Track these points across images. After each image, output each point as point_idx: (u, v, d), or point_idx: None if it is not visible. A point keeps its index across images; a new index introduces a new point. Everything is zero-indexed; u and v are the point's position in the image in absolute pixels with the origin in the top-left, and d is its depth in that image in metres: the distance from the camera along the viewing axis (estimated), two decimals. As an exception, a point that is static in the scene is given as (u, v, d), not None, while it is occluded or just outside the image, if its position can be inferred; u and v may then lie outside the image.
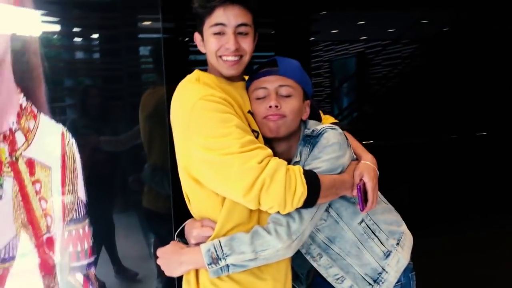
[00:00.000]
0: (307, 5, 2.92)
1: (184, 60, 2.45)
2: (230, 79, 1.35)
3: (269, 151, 1.21)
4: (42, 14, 2.44)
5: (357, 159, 1.39)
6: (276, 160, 1.19)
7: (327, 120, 1.53)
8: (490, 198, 3.11)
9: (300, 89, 1.35)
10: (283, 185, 1.16)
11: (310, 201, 1.20)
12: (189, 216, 1.41)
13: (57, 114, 2.02)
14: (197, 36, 1.35)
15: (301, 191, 1.18)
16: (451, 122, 3.26)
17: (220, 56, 1.29)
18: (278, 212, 1.22)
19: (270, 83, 1.32)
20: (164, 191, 2.11)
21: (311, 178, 1.21)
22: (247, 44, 1.30)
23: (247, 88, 1.39)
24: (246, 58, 1.32)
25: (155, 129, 2.17)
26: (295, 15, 2.94)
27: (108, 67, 2.18)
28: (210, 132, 1.19)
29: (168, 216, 2.06)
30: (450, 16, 3.46)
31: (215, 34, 1.28)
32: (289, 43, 2.97)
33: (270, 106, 1.29)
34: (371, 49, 5.86)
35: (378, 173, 1.37)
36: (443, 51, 3.50)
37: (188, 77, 1.34)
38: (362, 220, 1.37)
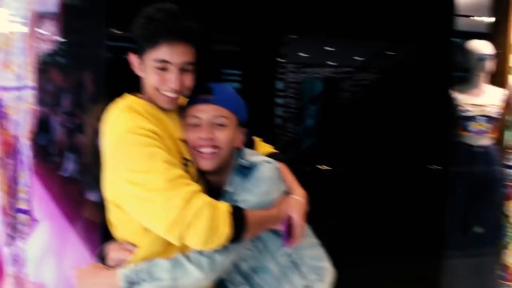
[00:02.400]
0: (276, 26, 2.97)
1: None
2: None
3: (196, 187, 1.22)
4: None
5: (288, 192, 1.41)
6: (202, 199, 1.19)
7: (264, 148, 1.54)
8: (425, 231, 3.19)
9: (234, 118, 1.37)
10: (207, 225, 1.17)
11: (235, 239, 1.21)
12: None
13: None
14: (133, 58, 1.33)
15: (226, 232, 1.19)
16: (405, 154, 3.35)
17: (160, 91, 1.29)
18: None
19: (204, 112, 1.32)
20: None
21: (238, 217, 1.22)
22: (189, 81, 1.31)
23: (181, 113, 1.39)
24: (186, 93, 1.32)
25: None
26: (264, 35, 2.98)
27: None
28: (135, 166, 1.19)
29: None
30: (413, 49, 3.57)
31: (157, 68, 1.27)
32: (256, 62, 3.01)
33: (203, 138, 1.30)
34: (338, 74, 5.96)
35: (307, 208, 1.40)
36: (407, 82, 3.60)
37: (120, 103, 1.32)
38: (287, 253, 1.38)
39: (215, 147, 1.33)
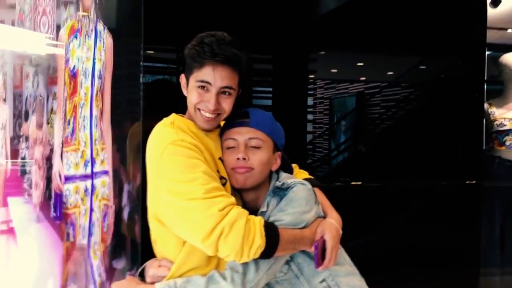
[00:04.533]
0: (307, 43, 3.00)
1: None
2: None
3: (233, 199, 1.25)
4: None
5: (324, 217, 1.41)
6: (237, 210, 1.23)
7: (301, 174, 1.57)
8: (461, 248, 3.11)
9: (270, 141, 1.40)
10: (241, 235, 1.20)
11: (267, 253, 1.23)
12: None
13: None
14: (182, 78, 1.41)
15: (258, 244, 1.21)
16: (442, 168, 3.30)
17: (199, 109, 1.34)
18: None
19: (240, 134, 1.37)
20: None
21: (271, 231, 1.24)
22: (227, 105, 1.36)
23: (220, 135, 1.43)
24: (223, 116, 1.38)
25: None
26: (295, 53, 3.01)
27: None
28: (177, 176, 1.24)
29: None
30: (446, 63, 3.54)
31: (199, 88, 1.33)
32: (287, 79, 3.03)
33: (238, 158, 1.33)
34: (370, 89, 5.92)
35: (341, 232, 1.40)
36: (438, 96, 3.57)
37: (164, 120, 1.39)
38: (324, 280, 1.37)
39: (250, 168, 1.37)
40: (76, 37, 2.69)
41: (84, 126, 2.53)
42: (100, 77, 2.44)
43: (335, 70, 6.07)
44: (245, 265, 1.28)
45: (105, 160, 2.37)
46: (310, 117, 3.74)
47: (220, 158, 1.40)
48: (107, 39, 2.40)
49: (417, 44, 3.25)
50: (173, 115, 1.42)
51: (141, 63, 2.10)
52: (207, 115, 1.36)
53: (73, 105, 2.66)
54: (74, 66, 2.69)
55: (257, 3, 2.69)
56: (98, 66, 2.46)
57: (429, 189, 3.18)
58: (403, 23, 3.14)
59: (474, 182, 3.20)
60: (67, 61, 2.75)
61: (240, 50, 1.35)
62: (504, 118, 3.33)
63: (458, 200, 3.18)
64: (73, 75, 2.68)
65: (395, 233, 3.04)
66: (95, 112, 2.49)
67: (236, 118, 1.43)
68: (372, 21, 3.18)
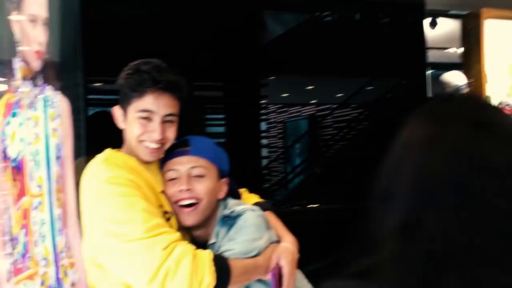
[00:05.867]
0: (257, 69, 3.02)
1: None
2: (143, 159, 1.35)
3: (177, 235, 1.19)
4: None
5: (278, 241, 1.38)
6: (182, 246, 1.17)
7: (251, 198, 1.53)
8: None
9: (214, 168, 1.35)
10: (188, 273, 1.13)
11: None
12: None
13: None
14: (117, 110, 1.33)
15: (208, 281, 1.15)
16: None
17: (142, 141, 1.29)
18: None
19: (182, 164, 1.31)
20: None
21: (221, 266, 1.19)
22: (172, 133, 1.31)
23: (160, 167, 1.39)
24: (167, 145, 1.33)
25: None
26: (245, 79, 3.02)
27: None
28: (113, 217, 1.16)
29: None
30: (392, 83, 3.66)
31: (141, 118, 1.28)
32: (240, 106, 3.04)
33: (181, 190, 1.29)
34: (321, 112, 6.06)
35: (297, 256, 1.36)
36: (386, 116, 3.65)
37: (98, 157, 1.31)
38: None
39: (195, 198, 1.32)
40: (14, 114, 1.98)
41: (43, 237, 1.92)
42: (58, 158, 1.93)
43: (287, 94, 6.19)
44: None
45: (77, 284, 1.88)
46: (264, 141, 3.75)
47: (162, 192, 1.35)
48: (61, 102, 1.92)
49: (364, 66, 3.34)
50: (108, 151, 1.34)
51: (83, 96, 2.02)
52: (152, 145, 1.29)
53: (22, 212, 1.95)
54: (17, 155, 1.97)
55: (206, 31, 2.70)
56: (53, 142, 1.92)
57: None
58: (350, 47, 3.23)
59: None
60: (3, 151, 1.98)
61: (177, 75, 1.32)
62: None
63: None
64: (18, 168, 1.97)
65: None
66: (56, 212, 1.90)
67: (175, 148, 1.37)
68: (319, 45, 3.26)
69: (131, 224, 1.14)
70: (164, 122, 1.27)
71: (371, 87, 4.26)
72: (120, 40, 2.30)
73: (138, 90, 1.25)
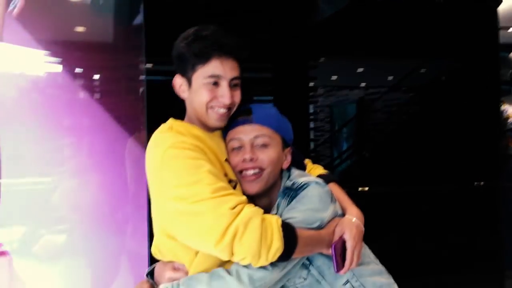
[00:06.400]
0: (306, 51, 2.97)
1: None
2: (207, 128, 1.33)
3: (244, 197, 1.18)
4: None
5: (343, 214, 1.32)
6: (250, 208, 1.15)
7: (315, 170, 1.48)
8: (482, 251, 3.06)
9: (278, 137, 1.32)
10: (258, 235, 1.10)
11: (284, 257, 1.15)
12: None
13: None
14: (178, 80, 1.32)
15: (277, 246, 1.12)
16: (449, 171, 3.26)
17: (211, 107, 1.27)
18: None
19: (245, 133, 1.28)
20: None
21: (289, 232, 1.15)
22: (238, 97, 1.30)
23: (224, 137, 1.37)
24: (233, 110, 1.31)
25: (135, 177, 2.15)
26: (294, 61, 2.98)
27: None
28: (180, 180, 1.14)
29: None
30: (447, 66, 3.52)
31: (209, 84, 1.26)
32: (288, 88, 3.00)
33: (245, 159, 1.26)
34: (370, 95, 5.89)
35: (363, 229, 1.30)
36: (440, 100, 3.54)
37: (161, 126, 1.31)
38: (347, 281, 1.27)
39: (259, 168, 1.28)
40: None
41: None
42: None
43: (335, 77, 6.04)
44: None
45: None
46: (312, 124, 3.69)
47: (226, 160, 1.33)
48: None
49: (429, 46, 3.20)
50: (171, 120, 1.33)
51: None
52: (221, 110, 1.28)
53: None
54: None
55: (256, 12, 2.67)
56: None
57: (444, 192, 3.12)
58: (403, 27, 3.11)
59: (482, 183, 3.15)
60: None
61: (239, 38, 1.30)
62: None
63: (475, 202, 3.12)
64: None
65: (412, 239, 2.98)
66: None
67: (238, 116, 1.32)
68: (370, 27, 3.16)
69: (198, 186, 1.12)
70: (230, 86, 1.26)
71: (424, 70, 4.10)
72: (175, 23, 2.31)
73: (204, 56, 1.24)
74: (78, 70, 2.90)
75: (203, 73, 1.26)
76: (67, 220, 2.82)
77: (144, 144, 1.90)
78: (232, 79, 1.28)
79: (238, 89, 1.31)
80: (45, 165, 2.91)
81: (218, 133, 1.37)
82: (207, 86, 1.26)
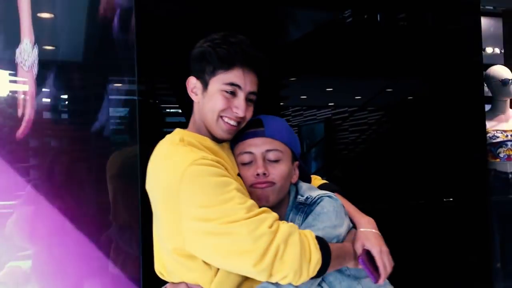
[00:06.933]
0: (276, 71, 2.98)
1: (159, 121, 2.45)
2: (215, 139, 1.28)
3: (275, 214, 1.13)
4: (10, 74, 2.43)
5: (354, 225, 1.32)
6: (287, 224, 1.11)
7: (315, 180, 1.47)
8: (456, 264, 3.09)
9: (288, 151, 1.29)
10: (298, 250, 1.05)
11: (322, 270, 1.11)
12: (159, 279, 1.30)
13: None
14: (192, 81, 1.27)
15: (316, 258, 1.08)
16: (417, 187, 3.30)
17: (222, 117, 1.22)
18: (268, 282, 1.11)
19: (256, 147, 1.24)
20: (132, 251, 2.02)
21: (323, 244, 1.12)
22: (250, 113, 1.25)
23: (231, 148, 1.32)
24: (242, 126, 1.26)
25: (119, 189, 2.09)
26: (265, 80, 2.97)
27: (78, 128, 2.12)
28: (207, 200, 1.06)
29: (137, 280, 1.96)
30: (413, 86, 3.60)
31: (226, 92, 1.21)
32: (258, 108, 2.98)
33: (258, 174, 1.22)
34: (338, 115, 5.95)
35: (379, 234, 1.30)
36: (407, 119, 3.61)
37: (169, 137, 1.24)
38: None
39: (271, 183, 1.25)
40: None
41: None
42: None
43: (305, 97, 6.09)
44: (279, 286, 1.11)
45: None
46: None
47: (238, 174, 1.28)
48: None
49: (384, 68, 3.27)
50: (178, 130, 1.26)
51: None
52: (232, 122, 1.22)
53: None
54: None
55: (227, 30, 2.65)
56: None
57: (420, 208, 3.15)
58: (371, 47, 3.17)
59: (451, 199, 3.19)
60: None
61: (264, 55, 1.26)
62: (496, 130, 3.31)
63: (452, 218, 3.16)
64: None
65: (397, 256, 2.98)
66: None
67: (248, 128, 1.28)
68: (339, 47, 3.20)
69: (230, 205, 1.06)
70: (246, 100, 1.22)
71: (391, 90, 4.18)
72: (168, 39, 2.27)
73: (228, 61, 1.19)
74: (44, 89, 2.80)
75: (223, 79, 1.21)
76: (29, 247, 2.70)
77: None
78: (249, 93, 1.24)
79: (252, 106, 1.28)
80: (3, 190, 2.80)
81: (227, 145, 1.33)
82: (223, 94, 1.21)
